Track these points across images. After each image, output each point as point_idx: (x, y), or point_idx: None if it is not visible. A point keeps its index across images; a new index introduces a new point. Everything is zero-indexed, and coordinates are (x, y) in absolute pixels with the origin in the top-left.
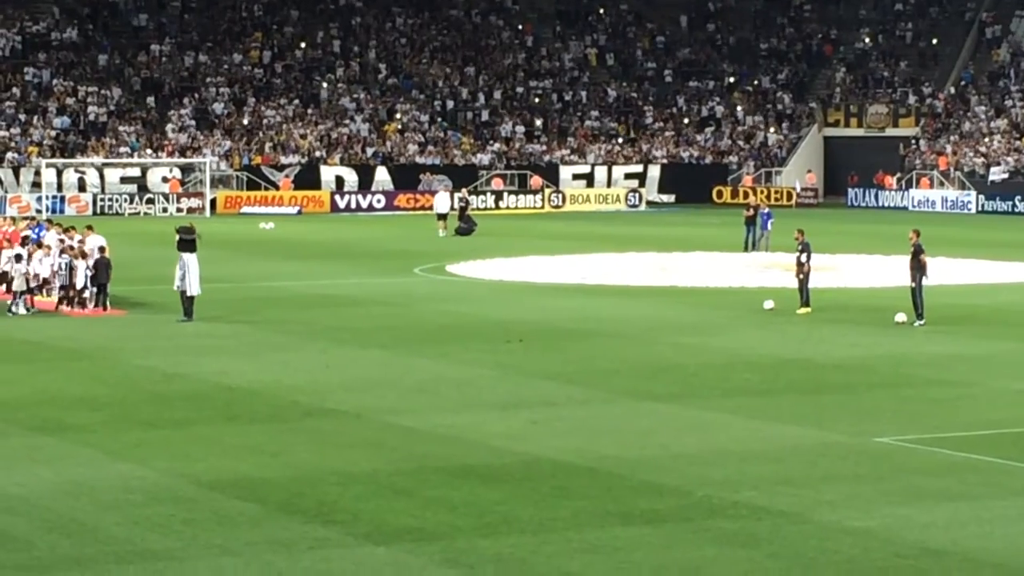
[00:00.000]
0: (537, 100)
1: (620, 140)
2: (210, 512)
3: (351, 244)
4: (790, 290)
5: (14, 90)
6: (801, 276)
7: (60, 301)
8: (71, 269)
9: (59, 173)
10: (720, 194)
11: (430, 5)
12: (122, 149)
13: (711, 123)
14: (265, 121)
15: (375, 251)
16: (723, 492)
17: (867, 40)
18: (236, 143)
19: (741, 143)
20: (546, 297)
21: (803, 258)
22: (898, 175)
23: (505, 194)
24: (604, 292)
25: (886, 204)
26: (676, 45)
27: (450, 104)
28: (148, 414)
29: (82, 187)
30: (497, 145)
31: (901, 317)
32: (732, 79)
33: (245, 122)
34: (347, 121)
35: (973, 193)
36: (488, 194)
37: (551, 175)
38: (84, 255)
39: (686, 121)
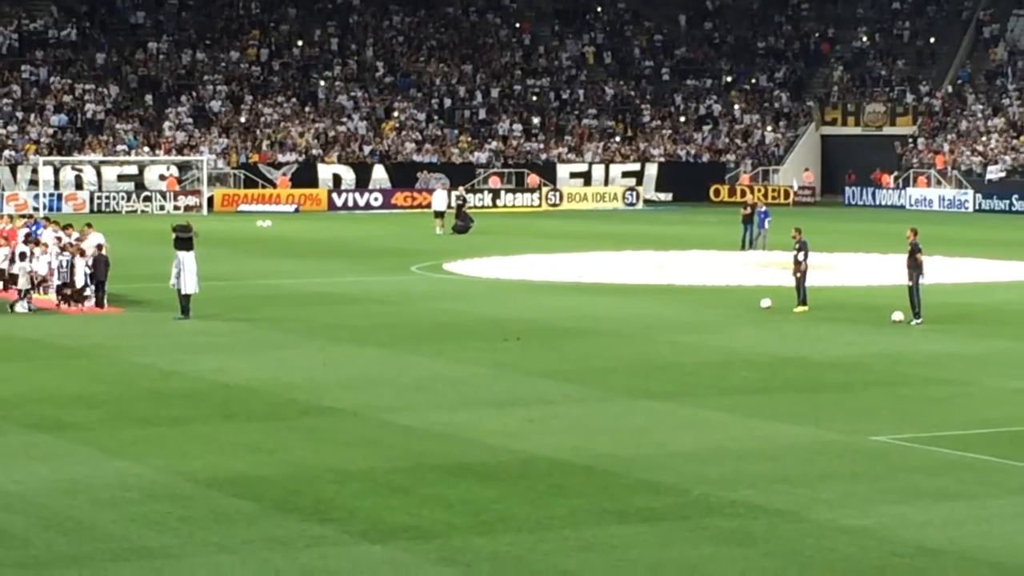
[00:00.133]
0: (535, 98)
1: (617, 138)
2: (207, 510)
3: (348, 242)
4: (787, 288)
5: (13, 87)
6: (798, 275)
7: (60, 299)
8: (71, 267)
9: (56, 171)
10: (717, 192)
11: (427, 3)
12: (119, 147)
13: (708, 121)
14: (262, 119)
15: (372, 249)
16: (720, 490)
17: (864, 39)
18: (233, 141)
19: (738, 141)
20: (543, 295)
21: (800, 256)
22: (895, 174)
23: (502, 192)
24: (601, 290)
25: (883, 203)
26: (674, 44)
27: (447, 102)
28: (145, 412)
29: (79, 185)
30: (495, 143)
31: (898, 316)
32: (729, 78)
33: (242, 120)
34: (344, 119)
35: (970, 192)
36: (485, 192)
37: (548, 173)
38: (82, 253)
39: (683, 119)
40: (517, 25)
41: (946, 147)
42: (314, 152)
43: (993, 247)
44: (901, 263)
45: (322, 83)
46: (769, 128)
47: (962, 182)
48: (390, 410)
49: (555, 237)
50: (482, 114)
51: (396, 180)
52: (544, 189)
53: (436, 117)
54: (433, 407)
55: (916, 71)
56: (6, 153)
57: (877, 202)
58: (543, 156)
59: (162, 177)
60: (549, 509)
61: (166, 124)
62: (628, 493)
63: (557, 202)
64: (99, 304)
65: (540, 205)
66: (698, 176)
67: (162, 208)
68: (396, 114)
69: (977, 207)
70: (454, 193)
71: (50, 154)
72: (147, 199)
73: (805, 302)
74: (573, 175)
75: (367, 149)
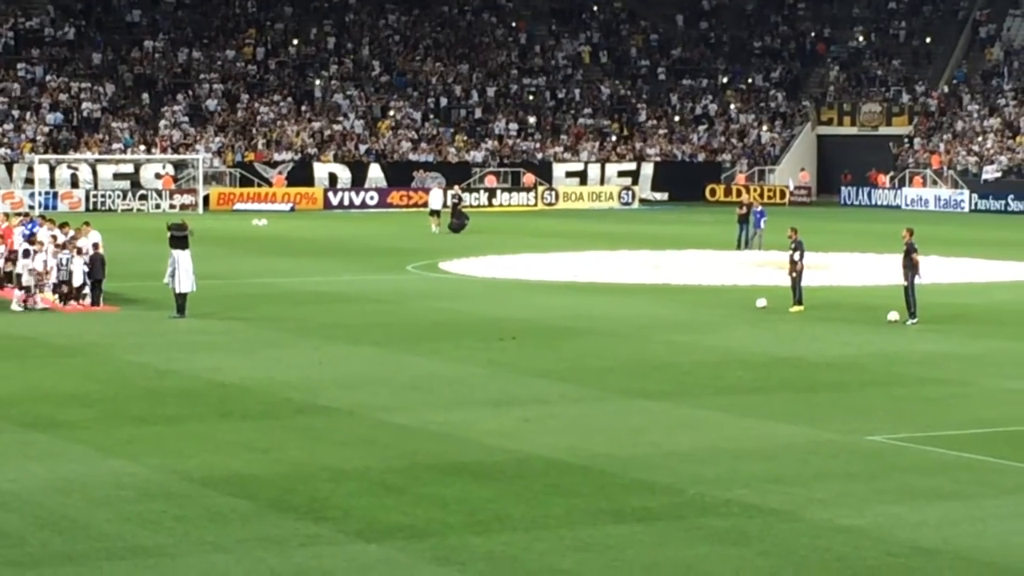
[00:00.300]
0: (530, 98)
1: (613, 138)
2: (202, 508)
3: (344, 241)
4: (783, 288)
5: (9, 86)
6: (794, 274)
7: (58, 297)
8: (69, 265)
9: (52, 169)
10: (713, 192)
11: (423, 2)
12: (115, 145)
13: (704, 121)
14: (258, 118)
15: (368, 248)
16: (715, 490)
17: (860, 39)
18: (229, 140)
19: (734, 141)
20: (539, 295)
21: (796, 256)
22: (891, 174)
23: (498, 192)
24: (597, 290)
25: (879, 203)
26: (670, 43)
27: (443, 101)
28: (140, 410)
29: (75, 183)
30: (490, 143)
31: (894, 316)
32: (725, 77)
33: (238, 119)
34: (340, 118)
35: (966, 192)
36: (481, 192)
37: (544, 173)
38: (79, 251)
39: (679, 119)
40: (513, 24)
41: (942, 147)
42: (310, 151)
43: (989, 247)
44: (897, 263)
45: (318, 82)
46: (765, 128)
47: (958, 182)
48: (386, 409)
49: (551, 236)
50: (478, 113)
51: (392, 179)
52: (540, 188)
53: (432, 116)
54: (429, 406)
55: (912, 71)
56: (2, 151)
57: (873, 202)
58: (539, 155)
59: (158, 176)
60: (545, 509)
61: (162, 123)
62: (624, 493)
63: (553, 201)
64: (95, 302)
65: (536, 204)
66: (694, 176)
67: (158, 207)
68: (392, 113)
69: (973, 207)
70: (450, 192)
71: (46, 152)
72: (143, 198)
73: (801, 302)
74: (569, 174)
75: (363, 148)
